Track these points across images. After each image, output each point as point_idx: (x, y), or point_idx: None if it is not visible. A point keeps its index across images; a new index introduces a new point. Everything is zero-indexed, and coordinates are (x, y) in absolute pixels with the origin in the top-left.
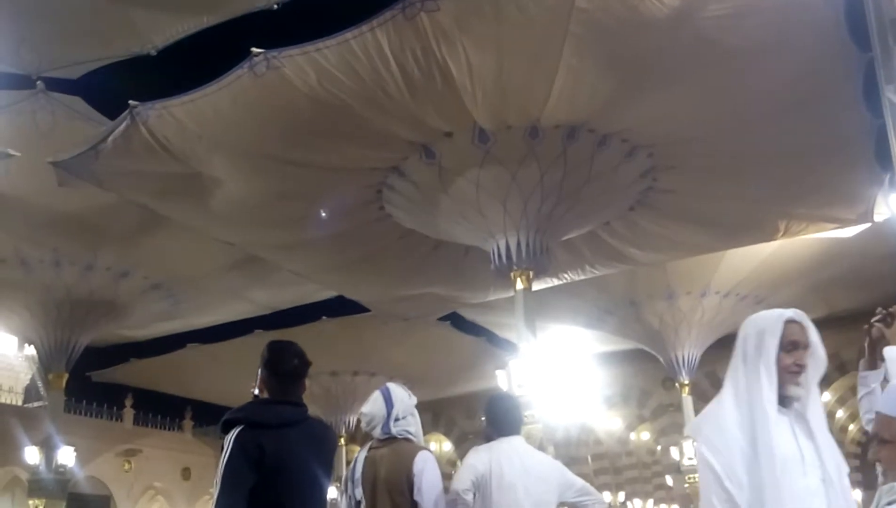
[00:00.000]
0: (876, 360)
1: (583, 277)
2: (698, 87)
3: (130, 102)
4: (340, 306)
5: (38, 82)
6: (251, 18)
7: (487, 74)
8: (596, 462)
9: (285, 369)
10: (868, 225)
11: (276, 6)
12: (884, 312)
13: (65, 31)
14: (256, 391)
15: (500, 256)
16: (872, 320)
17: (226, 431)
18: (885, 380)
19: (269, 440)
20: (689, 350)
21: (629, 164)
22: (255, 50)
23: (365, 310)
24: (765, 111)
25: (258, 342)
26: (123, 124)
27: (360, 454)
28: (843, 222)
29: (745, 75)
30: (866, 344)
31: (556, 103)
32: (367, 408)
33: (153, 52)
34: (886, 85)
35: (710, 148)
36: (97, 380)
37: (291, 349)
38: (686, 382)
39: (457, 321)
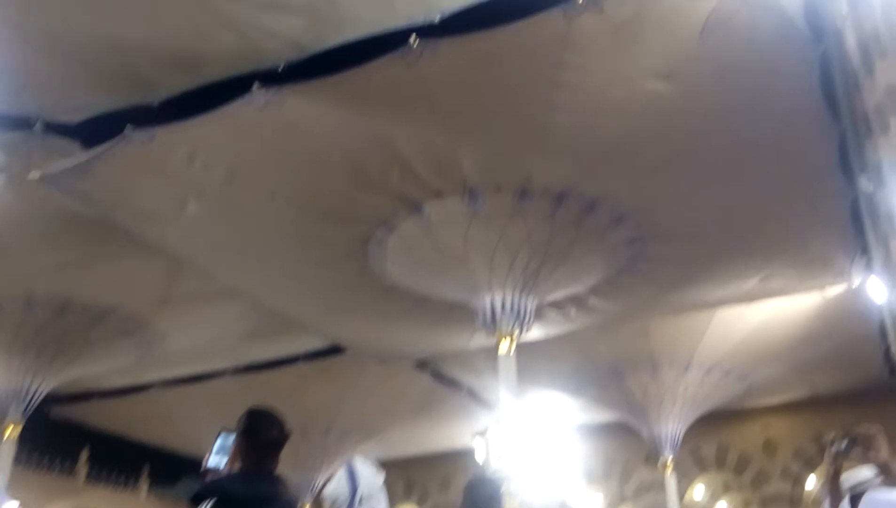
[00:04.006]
0: (840, 493)
1: (564, 326)
2: (683, 149)
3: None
4: (317, 353)
5: (37, 125)
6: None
7: (481, 127)
8: None
9: (264, 439)
10: (846, 290)
11: (280, 69)
12: (839, 442)
13: (69, 76)
14: (214, 464)
15: (485, 313)
16: (831, 452)
17: (195, 504)
18: None
19: None
20: (673, 425)
21: (616, 231)
22: (256, 84)
23: (341, 351)
24: (746, 171)
25: (228, 385)
26: (115, 145)
27: None
28: (821, 285)
29: (728, 134)
30: (830, 477)
31: (547, 165)
32: (329, 488)
33: (155, 104)
34: (860, 174)
35: (696, 215)
36: (55, 417)
37: (272, 419)
38: (669, 460)
39: (437, 373)
